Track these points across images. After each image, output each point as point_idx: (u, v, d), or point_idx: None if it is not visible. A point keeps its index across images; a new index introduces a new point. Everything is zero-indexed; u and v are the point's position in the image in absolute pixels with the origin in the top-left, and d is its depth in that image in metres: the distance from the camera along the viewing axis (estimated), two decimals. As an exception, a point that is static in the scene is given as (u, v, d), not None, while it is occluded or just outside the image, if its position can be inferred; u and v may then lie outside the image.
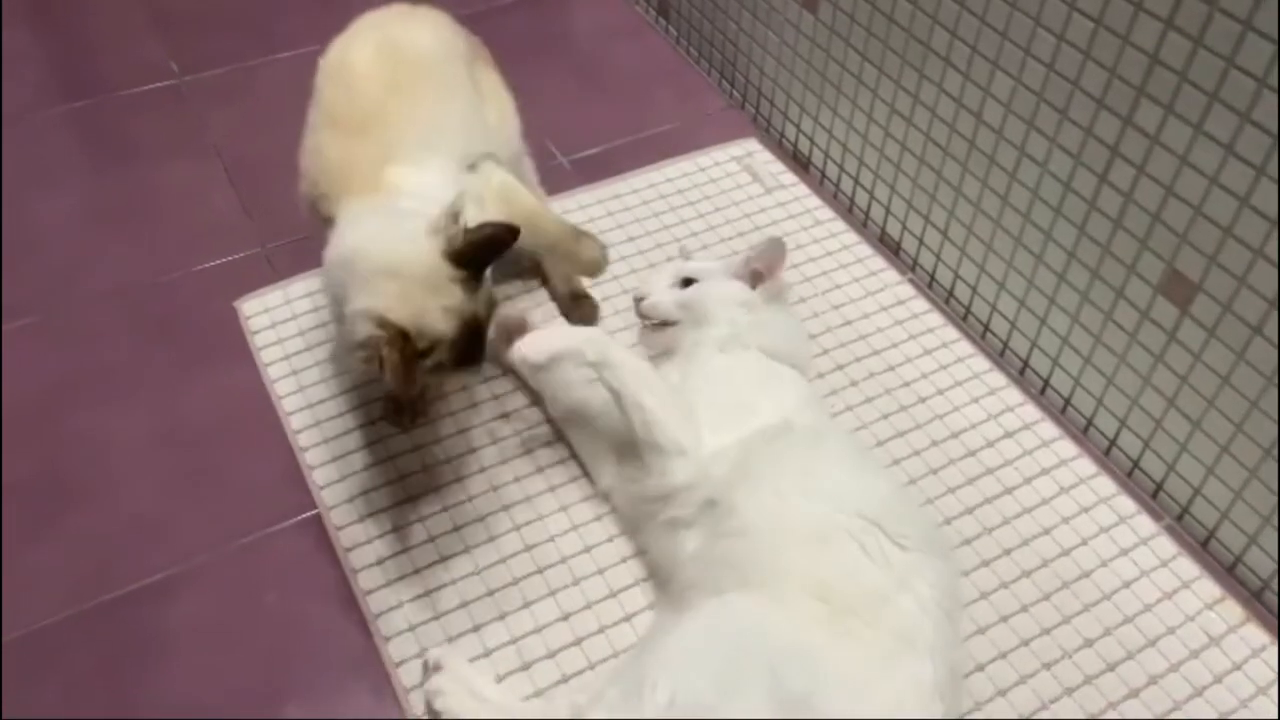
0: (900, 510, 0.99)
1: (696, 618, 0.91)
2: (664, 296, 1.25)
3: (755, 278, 1.25)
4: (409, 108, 1.14)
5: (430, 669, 1.03)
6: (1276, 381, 1.04)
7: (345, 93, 1.15)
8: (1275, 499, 1.09)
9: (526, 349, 1.23)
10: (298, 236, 1.50)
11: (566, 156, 1.66)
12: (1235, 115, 0.99)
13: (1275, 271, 1.01)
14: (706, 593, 0.96)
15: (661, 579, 1.10)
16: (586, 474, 1.22)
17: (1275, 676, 1.08)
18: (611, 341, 1.13)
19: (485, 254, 1.01)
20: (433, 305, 0.98)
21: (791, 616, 0.87)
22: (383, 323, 0.97)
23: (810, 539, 0.94)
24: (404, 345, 0.96)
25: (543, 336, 1.24)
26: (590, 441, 1.20)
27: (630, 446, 1.09)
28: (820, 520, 0.97)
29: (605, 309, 1.41)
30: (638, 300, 1.28)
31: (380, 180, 1.09)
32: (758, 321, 1.21)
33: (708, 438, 1.06)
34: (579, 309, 1.38)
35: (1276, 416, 1.06)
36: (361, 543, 1.16)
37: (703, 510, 1.03)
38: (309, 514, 1.19)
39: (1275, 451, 1.07)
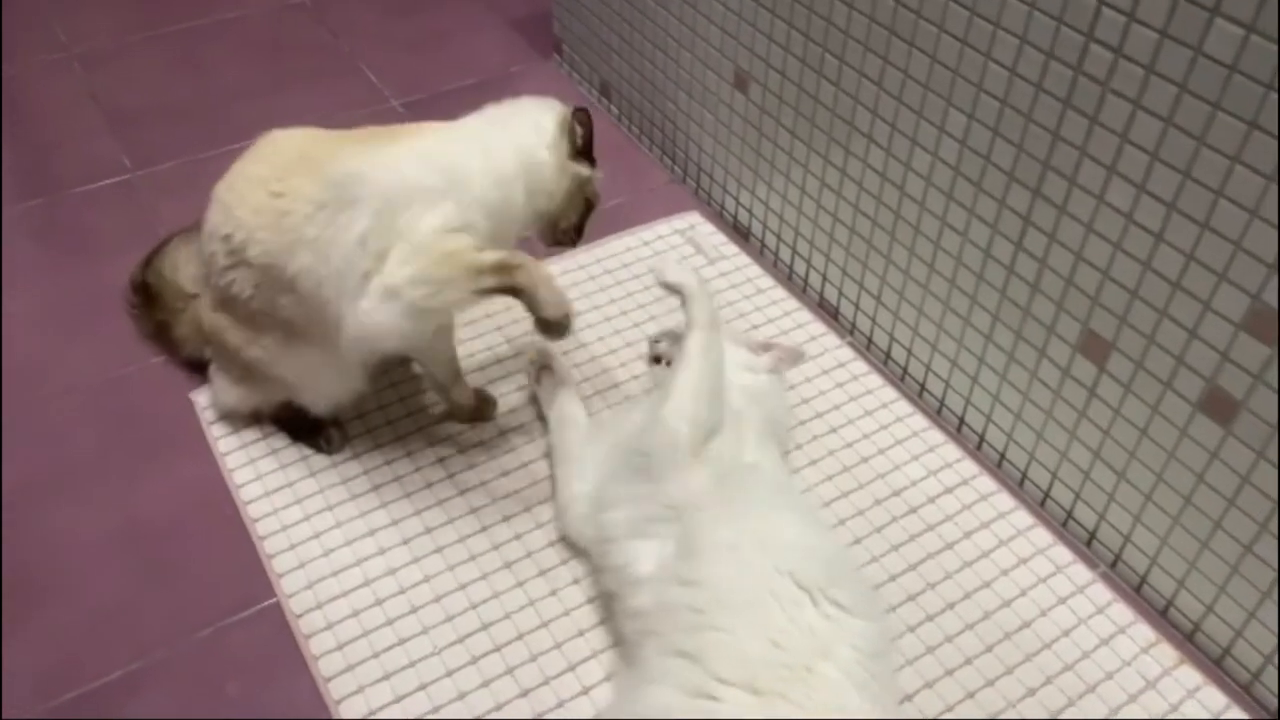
0: (837, 572, 1.03)
1: None
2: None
3: (761, 349, 1.34)
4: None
5: None
6: (1189, 433, 1.10)
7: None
8: (1199, 544, 1.14)
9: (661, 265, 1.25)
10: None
11: (515, 236, 1.71)
12: (1133, 186, 1.06)
13: (1180, 331, 1.07)
14: (657, 651, 0.99)
15: (617, 621, 1.12)
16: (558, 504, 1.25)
17: (1210, 716, 1.12)
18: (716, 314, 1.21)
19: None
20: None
21: None
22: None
23: (746, 603, 0.98)
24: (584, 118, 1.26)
25: (673, 266, 1.25)
26: (587, 445, 1.26)
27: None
28: (759, 579, 1.00)
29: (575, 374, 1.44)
30: (653, 341, 1.41)
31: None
32: (757, 383, 1.28)
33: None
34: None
35: (1194, 467, 1.11)
36: (321, 629, 1.18)
37: (671, 520, 1.07)
38: (269, 602, 1.21)
39: (1195, 498, 1.13)
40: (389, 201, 1.13)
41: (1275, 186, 0.94)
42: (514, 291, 1.14)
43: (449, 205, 1.14)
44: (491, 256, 1.14)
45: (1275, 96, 0.91)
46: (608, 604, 1.16)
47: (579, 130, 1.25)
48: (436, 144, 1.20)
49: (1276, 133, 0.92)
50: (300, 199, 1.15)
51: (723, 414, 1.15)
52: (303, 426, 1.37)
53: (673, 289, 1.22)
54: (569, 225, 1.29)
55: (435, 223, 1.13)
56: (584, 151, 1.26)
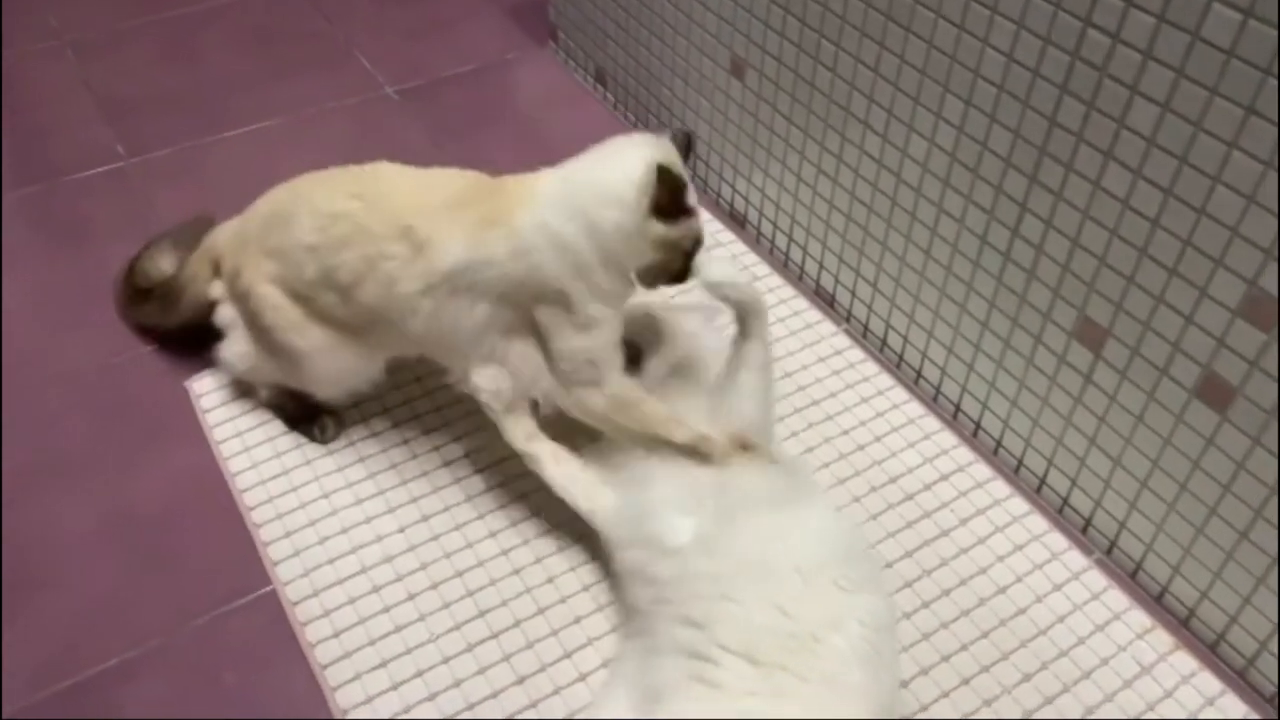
0: (855, 548, 1.04)
1: None
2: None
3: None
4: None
5: None
6: (1185, 420, 1.10)
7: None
8: (1194, 530, 1.15)
9: (705, 262, 1.20)
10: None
11: (510, 223, 1.71)
12: (1129, 172, 1.06)
13: (1177, 317, 1.07)
14: (667, 619, 1.01)
15: (633, 592, 1.13)
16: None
17: (1204, 701, 1.12)
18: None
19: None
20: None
21: (729, 696, 0.91)
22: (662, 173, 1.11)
23: (764, 574, 0.99)
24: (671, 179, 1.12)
25: (719, 264, 1.21)
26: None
27: None
28: (781, 553, 1.02)
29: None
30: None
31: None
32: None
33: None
34: None
35: (1189, 454, 1.12)
36: (317, 616, 1.18)
37: (717, 497, 1.10)
38: (264, 590, 1.21)
39: (1191, 485, 1.13)
40: (506, 295, 1.14)
41: (1273, 172, 0.93)
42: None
43: (577, 290, 1.13)
44: (682, 434, 1.15)
45: (1274, 82, 0.91)
46: (621, 581, 1.16)
47: (659, 190, 1.12)
48: (534, 217, 1.13)
49: (1275, 118, 0.92)
50: (410, 276, 1.16)
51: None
52: (300, 413, 1.36)
53: (719, 291, 1.17)
54: (672, 272, 1.18)
55: (582, 344, 1.14)
56: (667, 209, 1.13)
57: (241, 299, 1.29)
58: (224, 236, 1.34)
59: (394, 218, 1.16)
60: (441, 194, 1.19)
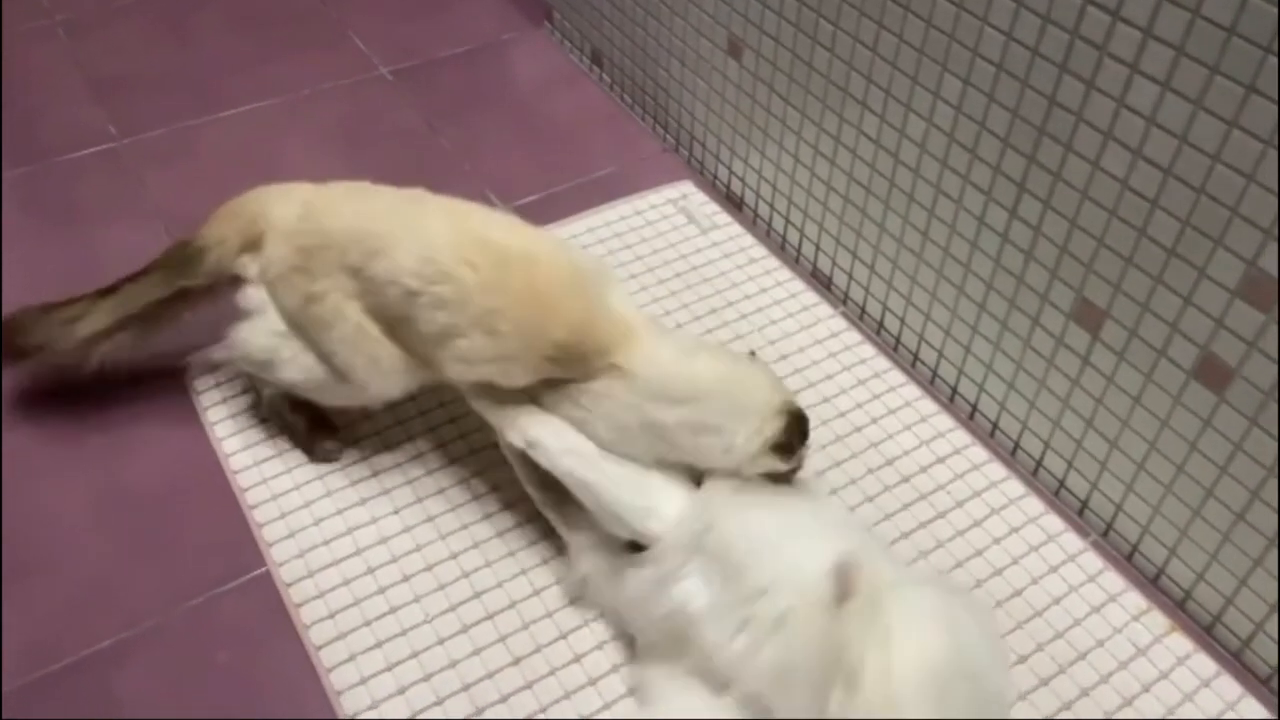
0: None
1: None
2: None
3: None
4: None
5: None
6: (1183, 401, 1.10)
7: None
8: (1191, 512, 1.14)
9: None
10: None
11: (506, 204, 1.70)
12: (1129, 151, 1.05)
13: (1175, 298, 1.07)
14: None
15: None
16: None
17: (1199, 683, 1.12)
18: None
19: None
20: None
21: None
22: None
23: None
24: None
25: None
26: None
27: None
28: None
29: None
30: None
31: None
32: None
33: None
34: None
35: (1186, 435, 1.11)
36: (312, 597, 1.17)
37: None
38: (258, 572, 1.20)
39: (1188, 466, 1.13)
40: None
41: (1273, 151, 0.93)
42: None
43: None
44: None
45: (1274, 60, 0.90)
46: None
47: (788, 434, 1.09)
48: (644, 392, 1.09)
49: (1275, 97, 0.91)
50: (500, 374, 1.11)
51: None
52: (303, 425, 1.31)
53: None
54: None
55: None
56: (785, 449, 1.10)
57: (308, 301, 1.17)
58: (274, 213, 1.20)
59: (499, 315, 1.09)
60: (558, 318, 1.08)
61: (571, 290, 1.10)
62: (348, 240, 1.15)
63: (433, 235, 1.12)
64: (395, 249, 1.12)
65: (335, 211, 1.19)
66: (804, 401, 1.38)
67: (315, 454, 1.31)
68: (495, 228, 1.15)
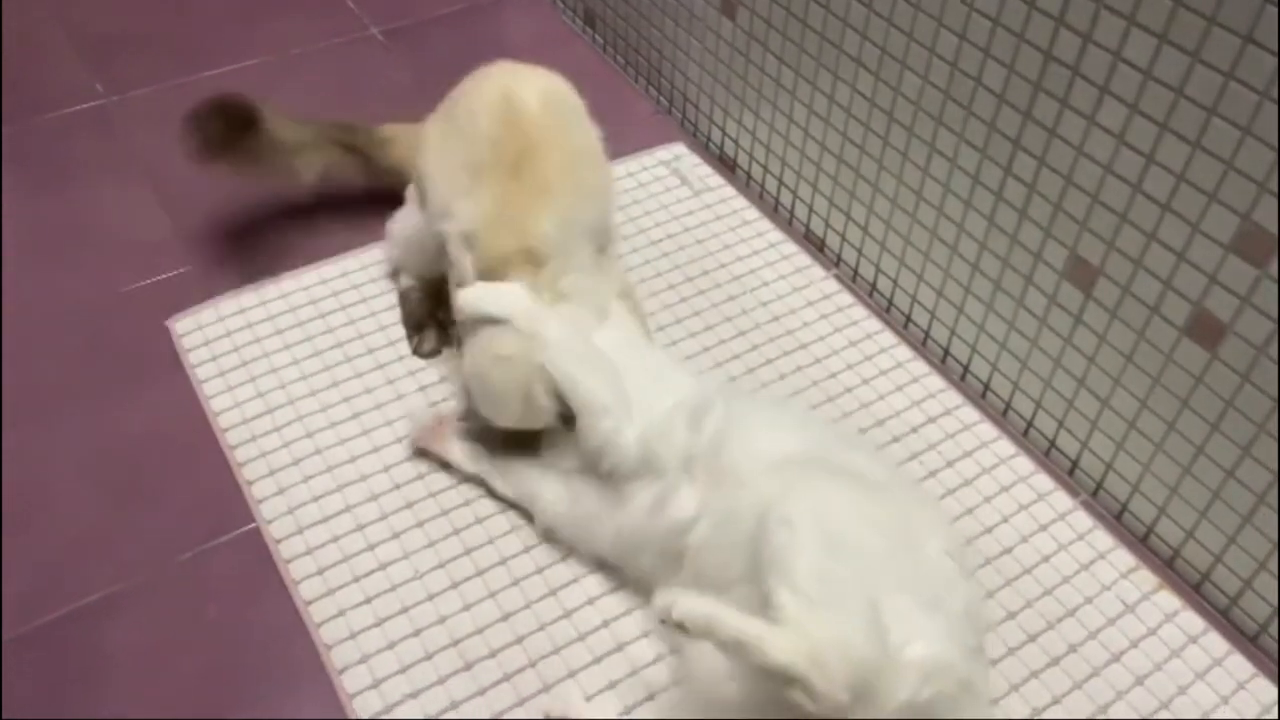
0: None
1: None
2: None
3: None
4: (566, 164, 1.23)
5: None
6: (1174, 359, 1.10)
7: (509, 130, 1.23)
8: (1181, 470, 1.15)
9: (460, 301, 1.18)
10: (229, 253, 1.52)
11: (497, 166, 1.68)
12: (1125, 106, 1.04)
13: (1168, 254, 1.06)
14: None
15: None
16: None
17: (1187, 639, 1.13)
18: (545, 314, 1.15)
19: None
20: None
21: None
22: None
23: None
24: None
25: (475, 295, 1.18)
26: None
27: None
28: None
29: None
30: None
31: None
32: None
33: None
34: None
35: (1178, 393, 1.11)
36: (301, 554, 1.17)
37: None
38: (248, 528, 1.20)
39: (1179, 424, 1.13)
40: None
41: (1270, 103, 0.92)
42: None
43: None
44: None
45: (1273, 10, 0.89)
46: None
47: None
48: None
49: (1274, 48, 0.90)
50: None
51: None
52: (421, 314, 1.41)
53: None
54: None
55: None
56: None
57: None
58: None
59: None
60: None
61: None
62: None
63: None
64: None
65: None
66: (796, 362, 1.39)
67: (420, 346, 1.39)
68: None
